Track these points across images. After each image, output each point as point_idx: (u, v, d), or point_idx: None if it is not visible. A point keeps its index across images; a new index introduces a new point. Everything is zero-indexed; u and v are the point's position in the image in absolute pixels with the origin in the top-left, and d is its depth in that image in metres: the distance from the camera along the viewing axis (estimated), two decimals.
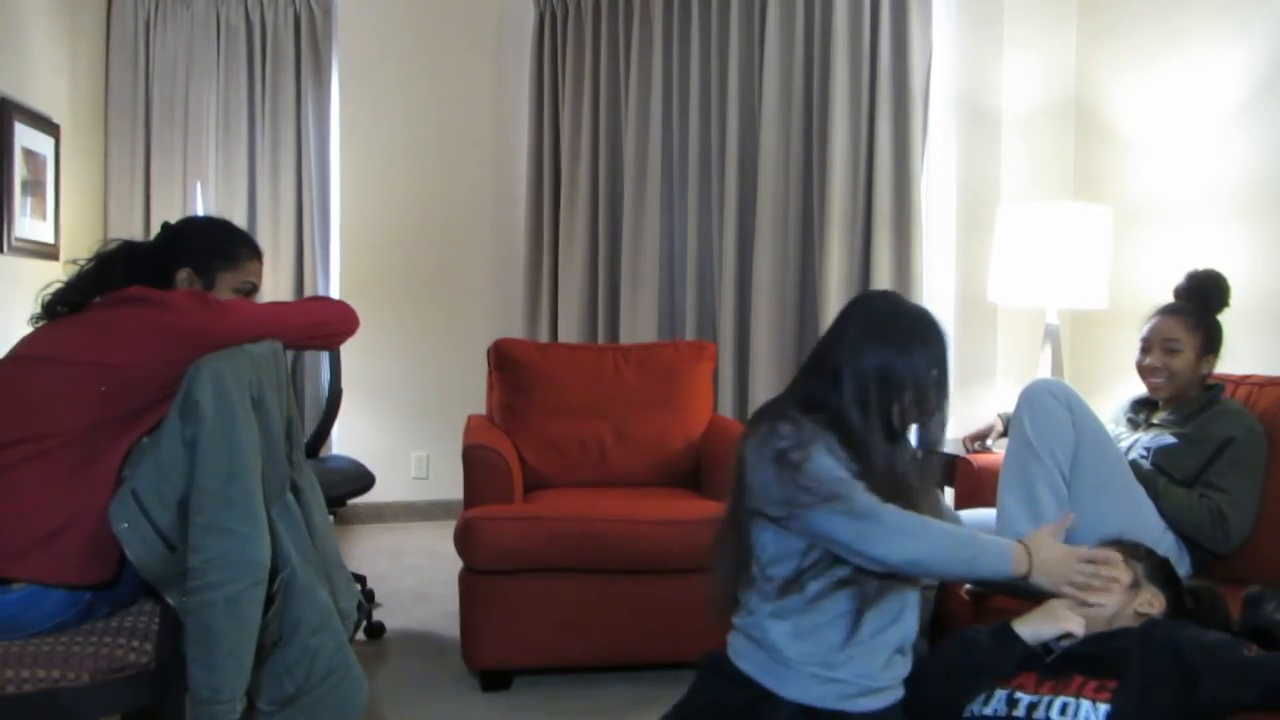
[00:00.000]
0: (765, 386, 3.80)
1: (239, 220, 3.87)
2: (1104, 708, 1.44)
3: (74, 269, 1.91)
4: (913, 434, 1.70)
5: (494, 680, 2.63)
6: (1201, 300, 2.35)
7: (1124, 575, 1.66)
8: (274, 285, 4.18)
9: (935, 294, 3.69)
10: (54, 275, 1.99)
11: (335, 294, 4.40)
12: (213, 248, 2.00)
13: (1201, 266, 2.42)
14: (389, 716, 2.45)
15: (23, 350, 1.81)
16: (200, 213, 4.16)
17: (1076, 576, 1.59)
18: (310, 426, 3.39)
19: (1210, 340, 2.31)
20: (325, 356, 3.58)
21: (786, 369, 3.84)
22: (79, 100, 3.96)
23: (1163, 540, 2.11)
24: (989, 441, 2.83)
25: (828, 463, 1.56)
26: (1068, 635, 1.60)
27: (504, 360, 3.25)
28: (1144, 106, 3.28)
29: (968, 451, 2.85)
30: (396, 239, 4.54)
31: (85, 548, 1.65)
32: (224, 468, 1.60)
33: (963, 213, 3.66)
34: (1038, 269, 2.98)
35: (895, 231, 3.63)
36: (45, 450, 1.67)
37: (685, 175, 4.08)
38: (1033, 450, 2.10)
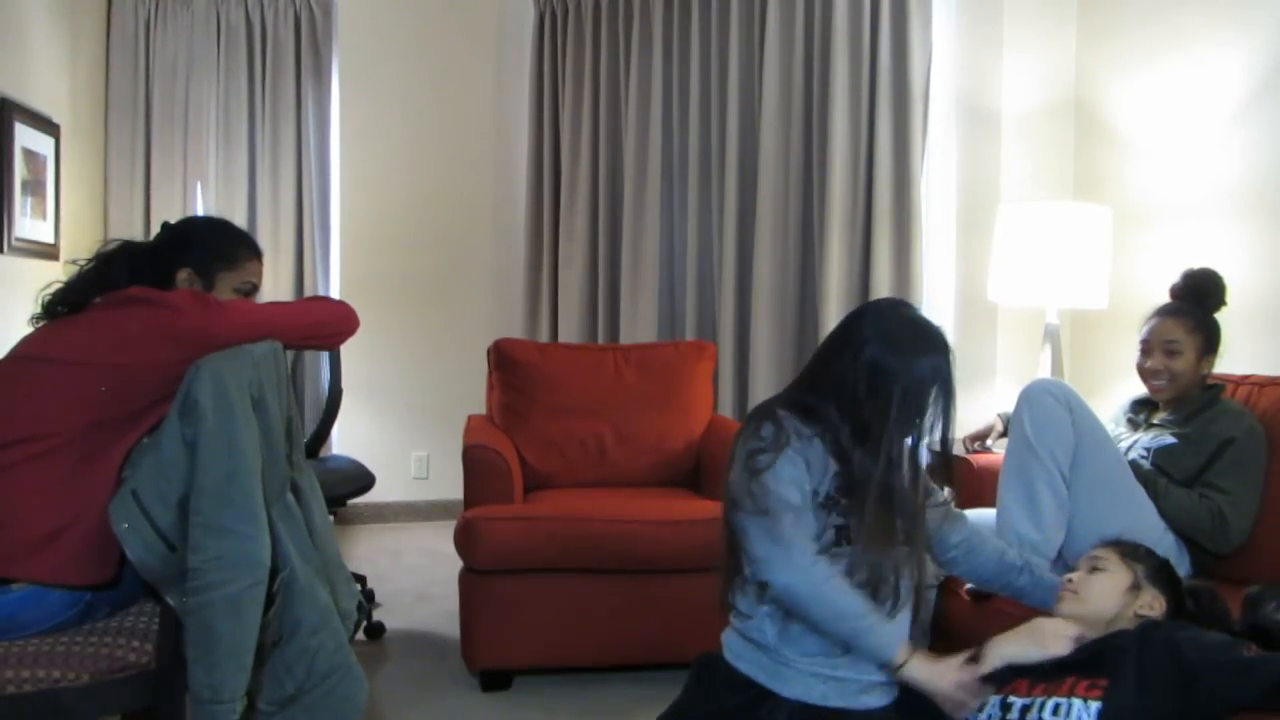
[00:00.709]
0: (765, 386, 3.80)
1: (239, 220, 3.87)
2: (1095, 705, 1.44)
3: (74, 269, 1.91)
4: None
5: (494, 680, 2.63)
6: (1199, 300, 2.35)
7: (1123, 577, 1.66)
8: (274, 285, 4.18)
9: (935, 294, 3.69)
10: (54, 275, 2.00)
11: (335, 294, 4.41)
12: (213, 248, 2.00)
13: (1197, 265, 2.41)
14: (389, 716, 2.45)
15: (23, 350, 1.81)
16: (200, 213, 4.16)
17: (948, 705, 1.54)
18: (310, 426, 3.39)
19: (1210, 341, 2.31)
20: (325, 356, 3.58)
21: (786, 369, 3.84)
22: (79, 100, 3.96)
23: (1163, 540, 2.11)
24: (989, 441, 2.83)
25: (788, 474, 1.56)
26: None
27: (504, 360, 3.25)
28: (1144, 106, 3.28)
29: (968, 452, 2.85)
30: (396, 239, 4.54)
31: (85, 548, 1.65)
32: (224, 468, 1.60)
33: (963, 213, 3.66)
34: (1038, 269, 2.98)
35: (895, 231, 3.62)
36: (45, 450, 1.67)
37: (685, 175, 4.08)
38: (1032, 450, 2.10)
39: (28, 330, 1.85)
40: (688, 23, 4.04)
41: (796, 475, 1.56)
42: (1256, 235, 2.87)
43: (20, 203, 3.37)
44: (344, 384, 3.40)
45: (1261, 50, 2.86)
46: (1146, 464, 2.23)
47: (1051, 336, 3.09)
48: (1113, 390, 3.13)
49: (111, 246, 1.95)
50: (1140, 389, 2.43)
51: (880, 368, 1.56)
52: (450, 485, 4.00)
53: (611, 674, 2.67)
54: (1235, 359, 2.40)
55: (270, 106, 4.28)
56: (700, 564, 2.58)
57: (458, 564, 2.66)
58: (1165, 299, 2.41)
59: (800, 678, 1.56)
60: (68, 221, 3.78)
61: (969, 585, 2.16)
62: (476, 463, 2.77)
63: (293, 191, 4.32)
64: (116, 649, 1.64)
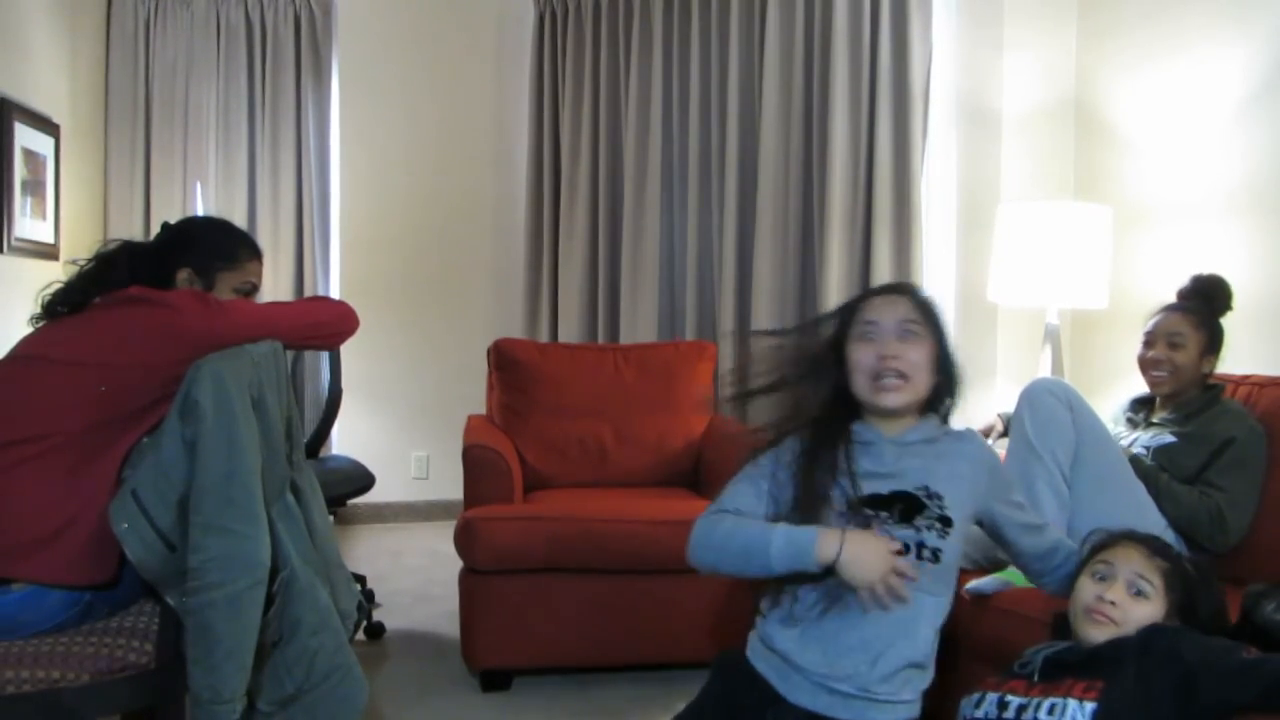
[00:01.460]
0: None
1: (239, 220, 3.87)
2: (1090, 706, 1.43)
3: (74, 269, 1.91)
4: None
5: (494, 680, 2.63)
6: (1206, 302, 2.36)
7: (1160, 608, 1.55)
8: (274, 285, 4.18)
9: (935, 294, 3.68)
10: (54, 275, 2.00)
11: (335, 294, 4.41)
12: (213, 248, 2.00)
13: (1205, 270, 2.42)
14: (389, 716, 2.45)
15: (23, 350, 1.81)
16: (200, 213, 4.16)
17: (881, 584, 1.48)
18: (310, 426, 3.39)
19: (1213, 340, 2.31)
20: (325, 356, 3.58)
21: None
22: (79, 100, 3.96)
23: (1162, 537, 2.12)
24: (990, 441, 2.82)
25: (746, 471, 1.66)
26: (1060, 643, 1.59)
27: (504, 360, 3.25)
28: (1144, 106, 3.28)
29: None
30: (396, 239, 4.54)
31: (85, 548, 1.65)
32: (224, 468, 1.60)
33: (963, 213, 3.66)
34: (1038, 269, 2.98)
35: (895, 231, 3.62)
36: (45, 450, 1.67)
37: (685, 175, 4.08)
38: (1033, 450, 2.10)
39: (28, 330, 1.85)
40: (688, 23, 4.04)
41: (754, 472, 1.66)
42: (1256, 235, 2.87)
43: (20, 203, 3.37)
44: (344, 384, 3.40)
45: (1261, 50, 2.86)
46: (1146, 460, 2.23)
47: (1051, 336, 3.09)
48: (1113, 390, 3.13)
49: (111, 246, 1.95)
50: (1141, 388, 2.44)
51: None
52: (450, 485, 4.00)
53: (611, 674, 2.67)
54: (1235, 359, 2.40)
55: (270, 106, 4.28)
56: None
57: (458, 564, 2.66)
58: (1165, 299, 2.42)
59: (806, 685, 1.55)
60: (68, 221, 3.78)
61: (969, 585, 2.16)
62: (476, 463, 2.77)
63: (293, 191, 4.32)
64: (116, 649, 1.63)
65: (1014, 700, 1.51)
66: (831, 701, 1.54)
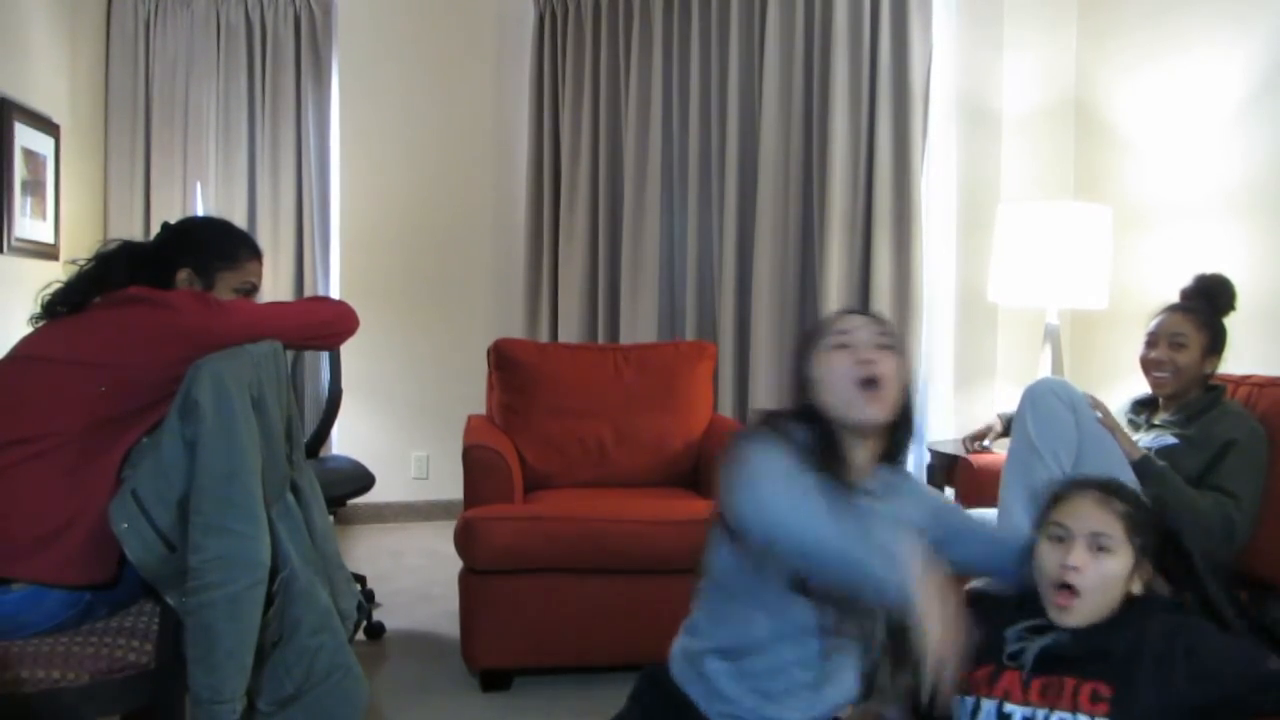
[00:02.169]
0: (765, 386, 3.80)
1: (239, 220, 3.87)
2: None
3: (74, 269, 1.91)
4: None
5: (494, 680, 2.63)
6: (1209, 302, 2.36)
7: (1128, 558, 1.45)
8: (274, 285, 4.18)
9: (935, 294, 3.69)
10: (54, 275, 1.99)
11: (335, 294, 4.40)
12: (213, 248, 2.00)
13: (1209, 270, 2.42)
14: (389, 716, 2.45)
15: (23, 350, 1.81)
16: (200, 213, 4.16)
17: (934, 658, 1.21)
18: (310, 426, 3.39)
19: (1215, 341, 2.31)
20: (325, 356, 3.58)
21: (786, 369, 3.83)
22: (79, 100, 3.96)
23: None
24: (988, 442, 2.83)
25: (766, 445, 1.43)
26: (1048, 630, 1.47)
27: (504, 360, 3.25)
28: (1144, 106, 3.28)
29: (967, 452, 2.86)
30: (396, 239, 4.54)
31: (85, 548, 1.65)
32: (224, 468, 1.60)
33: (963, 213, 3.66)
34: (1038, 269, 2.98)
35: (895, 231, 3.62)
36: (45, 450, 1.67)
37: (685, 176, 4.08)
38: (1035, 450, 2.09)
39: (28, 330, 1.85)
40: (688, 23, 4.04)
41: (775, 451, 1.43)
42: (1256, 235, 2.87)
43: (20, 203, 3.37)
44: (344, 384, 3.40)
45: (1261, 50, 2.86)
46: (1159, 462, 2.22)
47: (1051, 336, 3.09)
48: (1113, 390, 3.13)
49: (111, 246, 1.95)
50: (1141, 388, 2.43)
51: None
52: (450, 485, 4.00)
53: (611, 674, 2.67)
54: (1235, 359, 2.40)
55: (270, 106, 4.28)
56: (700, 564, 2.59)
57: (458, 564, 2.66)
58: (1165, 299, 2.42)
59: (738, 710, 1.47)
60: (68, 221, 3.78)
61: (970, 585, 2.16)
62: (476, 463, 2.77)
63: (293, 191, 4.32)
64: (116, 649, 1.64)
65: (1016, 710, 1.43)
66: None
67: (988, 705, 1.46)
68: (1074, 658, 1.43)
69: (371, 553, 4.01)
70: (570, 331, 4.24)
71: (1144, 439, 2.31)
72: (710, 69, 4.00)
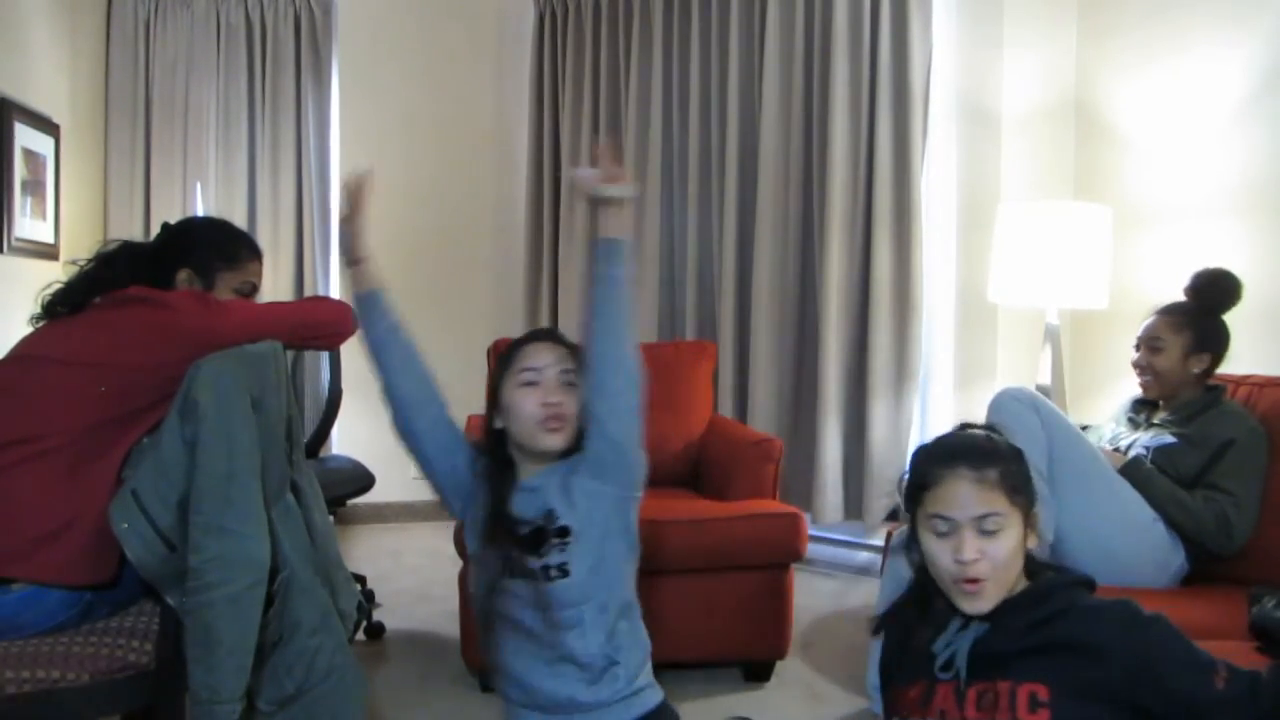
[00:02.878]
0: (765, 386, 3.80)
1: (239, 220, 3.88)
2: None
3: (74, 269, 1.91)
4: None
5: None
6: (1198, 300, 2.36)
7: (1019, 524, 1.38)
8: (274, 285, 4.18)
9: (935, 294, 3.69)
10: (54, 275, 1.99)
11: (335, 294, 4.41)
12: (213, 248, 2.00)
13: (1211, 265, 2.42)
14: (389, 716, 2.45)
15: (23, 350, 1.81)
16: (200, 213, 4.16)
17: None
18: (310, 426, 3.39)
19: (1200, 340, 2.31)
20: (325, 356, 3.58)
21: (786, 369, 3.84)
22: (79, 100, 3.96)
23: (1153, 529, 2.13)
24: None
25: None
26: (967, 625, 1.40)
27: None
28: (1144, 106, 3.28)
29: None
30: (396, 239, 4.53)
31: (85, 548, 1.65)
32: (224, 468, 1.60)
33: (963, 213, 3.66)
34: (1038, 269, 2.98)
35: (895, 231, 3.62)
36: (45, 450, 1.67)
37: (685, 175, 4.08)
38: None
39: (28, 330, 1.85)
40: (688, 23, 4.04)
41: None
42: (1257, 235, 2.87)
43: (20, 203, 3.37)
44: (344, 384, 3.40)
45: (1261, 50, 2.86)
46: (1146, 463, 2.23)
47: (1051, 336, 3.10)
48: (1113, 390, 3.13)
49: (112, 247, 1.95)
50: None
51: None
52: None
53: None
54: (1235, 359, 2.40)
55: (270, 106, 4.29)
56: (700, 564, 2.59)
57: (458, 564, 2.65)
58: (1165, 299, 2.43)
59: None
60: (68, 221, 3.78)
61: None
62: None
63: (293, 191, 4.32)
64: (116, 649, 1.64)
65: None
66: None
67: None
68: (1004, 653, 1.35)
69: (371, 553, 4.02)
70: (571, 331, 4.21)
71: (1143, 438, 2.32)
72: (710, 69, 4.00)
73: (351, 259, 1.73)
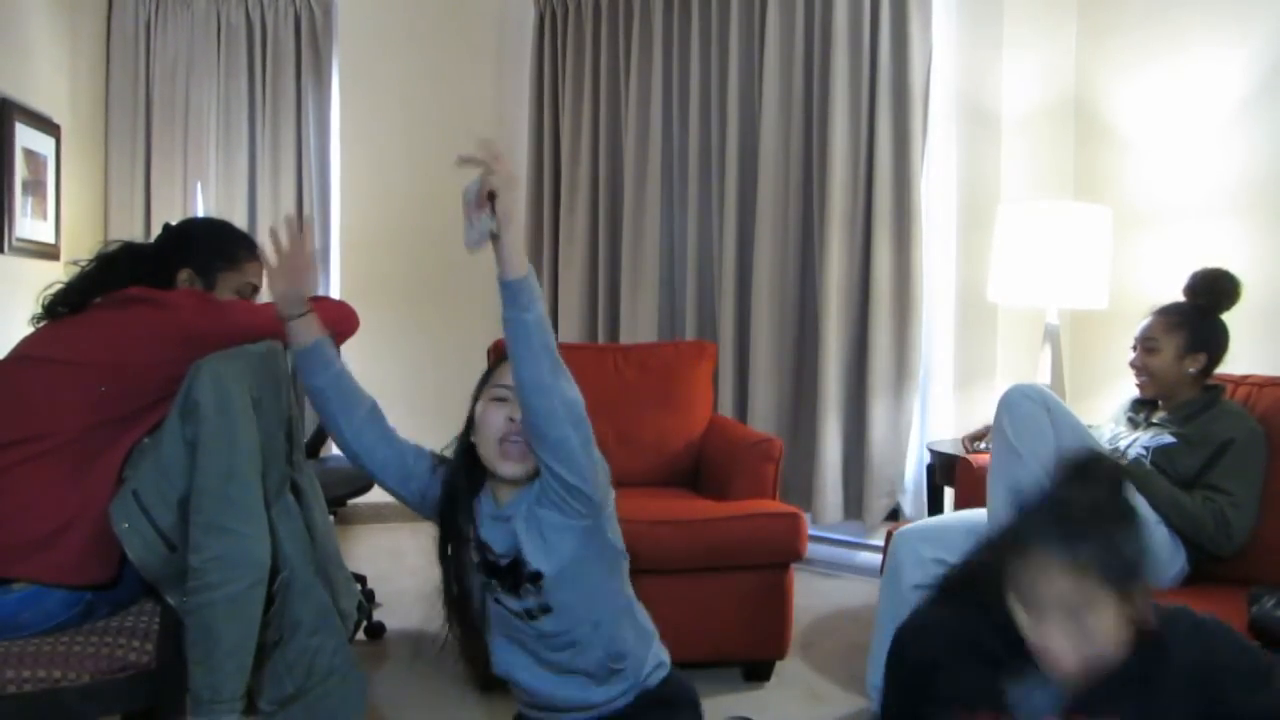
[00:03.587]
0: (765, 386, 3.81)
1: (239, 220, 3.88)
2: None
3: (75, 269, 1.91)
4: None
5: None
6: (1194, 300, 2.37)
7: (1115, 604, 1.27)
8: None
9: (935, 294, 3.69)
10: (54, 275, 2.00)
11: (335, 294, 4.41)
12: (214, 248, 2.01)
13: (1209, 265, 2.42)
14: (389, 716, 2.45)
15: (23, 350, 1.81)
16: (200, 213, 4.16)
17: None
18: (310, 426, 3.38)
19: (1195, 340, 2.31)
20: None
21: (786, 369, 3.84)
22: (79, 100, 3.96)
23: (1155, 533, 2.13)
24: (985, 443, 2.83)
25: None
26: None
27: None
28: (1144, 106, 3.28)
29: (967, 452, 2.86)
30: (396, 239, 4.54)
31: (86, 548, 1.65)
32: (224, 468, 1.60)
33: (963, 213, 3.66)
34: (1038, 269, 2.98)
35: (895, 231, 3.62)
36: (46, 450, 1.67)
37: (685, 175, 4.08)
38: (1016, 453, 2.13)
39: (28, 330, 1.85)
40: (688, 23, 4.04)
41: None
42: (1257, 235, 2.87)
43: (20, 203, 3.37)
44: None
45: (1261, 50, 2.86)
46: (1146, 463, 2.24)
47: (1051, 336, 3.10)
48: (1113, 390, 3.13)
49: (112, 247, 1.95)
50: None
51: None
52: None
53: None
54: (1235, 359, 2.40)
55: (270, 106, 4.29)
56: (700, 564, 2.59)
57: None
58: (1165, 299, 2.43)
59: None
60: (68, 222, 3.78)
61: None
62: None
63: (293, 192, 4.32)
64: (116, 649, 1.64)
65: None
66: None
67: None
68: (1100, 698, 1.30)
69: (371, 553, 4.02)
70: (570, 331, 4.24)
71: (1142, 437, 2.32)
72: (710, 69, 4.00)
73: (289, 313, 1.67)
